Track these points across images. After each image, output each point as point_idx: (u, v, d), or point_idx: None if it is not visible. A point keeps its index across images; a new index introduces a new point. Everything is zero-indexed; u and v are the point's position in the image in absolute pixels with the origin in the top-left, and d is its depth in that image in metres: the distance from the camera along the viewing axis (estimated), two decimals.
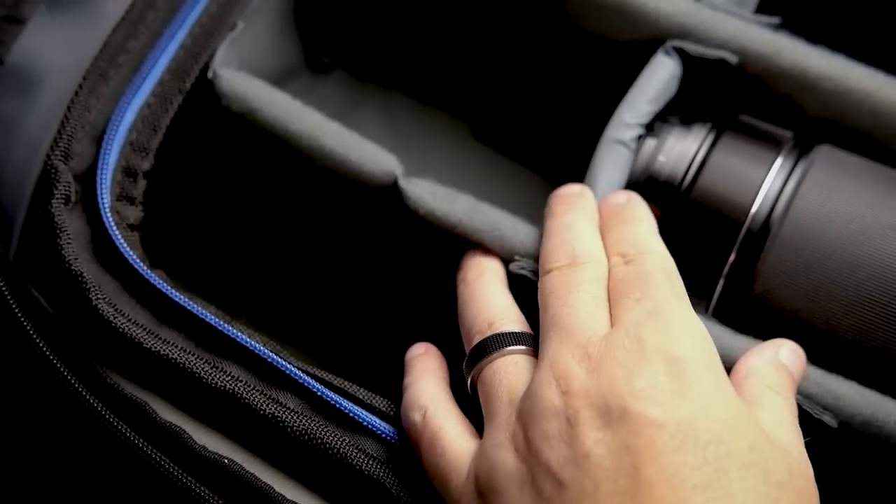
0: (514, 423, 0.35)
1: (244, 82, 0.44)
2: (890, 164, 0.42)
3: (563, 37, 0.48)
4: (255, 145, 0.45)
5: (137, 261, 0.41)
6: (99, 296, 0.39)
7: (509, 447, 0.34)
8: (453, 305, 0.42)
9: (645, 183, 0.43)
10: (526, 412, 0.34)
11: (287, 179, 0.46)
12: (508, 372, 0.37)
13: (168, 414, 0.39)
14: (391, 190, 0.42)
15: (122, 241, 0.41)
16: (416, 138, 0.53)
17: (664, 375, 0.33)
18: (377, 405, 0.39)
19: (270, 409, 0.38)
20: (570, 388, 0.34)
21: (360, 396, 0.39)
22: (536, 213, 0.42)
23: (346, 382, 0.39)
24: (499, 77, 0.53)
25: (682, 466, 0.31)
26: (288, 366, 0.39)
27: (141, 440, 0.38)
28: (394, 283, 0.49)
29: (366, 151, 0.43)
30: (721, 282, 0.41)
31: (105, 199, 0.41)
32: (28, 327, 0.39)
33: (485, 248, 0.41)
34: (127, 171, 0.43)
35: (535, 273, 0.40)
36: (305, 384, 0.39)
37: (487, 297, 0.40)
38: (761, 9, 0.48)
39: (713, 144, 0.43)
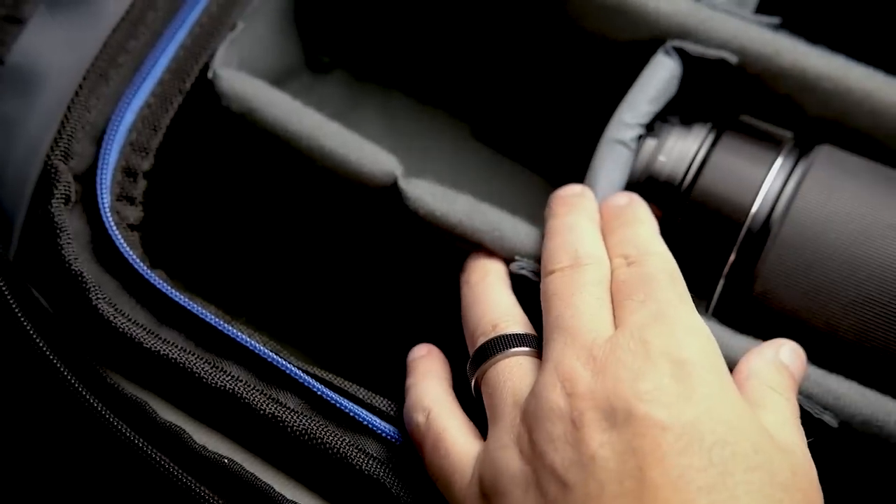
0: (519, 424, 0.35)
1: (244, 82, 0.44)
2: (890, 164, 0.42)
3: (563, 37, 0.48)
4: (254, 145, 0.44)
5: (137, 261, 0.41)
6: (99, 296, 0.39)
7: (514, 449, 0.34)
8: (453, 306, 0.42)
9: (645, 183, 0.43)
10: (531, 414, 0.34)
11: (287, 180, 0.46)
12: (513, 373, 0.37)
13: (168, 414, 0.39)
14: (391, 190, 0.42)
15: (122, 241, 0.41)
16: (416, 138, 0.53)
17: (669, 378, 0.33)
18: (377, 405, 0.39)
19: (270, 408, 0.38)
20: (575, 391, 0.34)
21: (361, 396, 0.39)
22: (536, 213, 0.42)
23: (346, 382, 0.39)
24: (499, 77, 0.53)
25: (687, 468, 0.31)
26: (288, 365, 0.39)
27: (141, 440, 0.38)
28: (394, 284, 0.49)
29: (366, 152, 0.43)
30: (721, 282, 0.41)
31: (105, 199, 0.41)
32: (28, 327, 0.39)
33: (485, 249, 0.41)
34: (127, 171, 0.43)
35: (536, 273, 0.40)
36: (305, 384, 0.39)
37: (491, 299, 0.40)
38: (761, 9, 0.48)
39: (713, 144, 0.43)
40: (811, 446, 0.35)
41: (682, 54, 0.44)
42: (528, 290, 0.40)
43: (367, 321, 0.49)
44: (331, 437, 0.37)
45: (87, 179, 0.42)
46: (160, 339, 0.39)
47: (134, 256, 0.41)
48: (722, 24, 0.44)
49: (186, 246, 0.49)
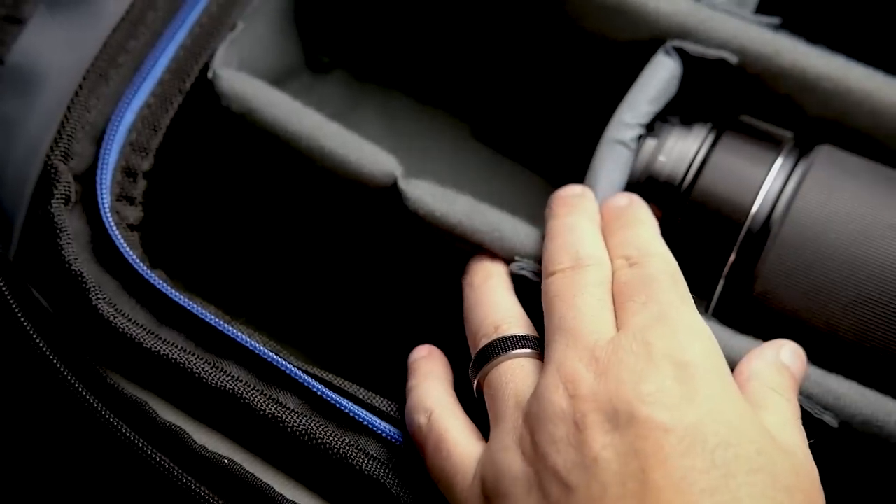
0: (521, 426, 0.35)
1: (244, 82, 0.44)
2: (890, 164, 0.42)
3: (563, 37, 0.48)
4: (254, 146, 0.44)
5: (137, 261, 0.41)
6: (99, 296, 0.39)
7: (516, 450, 0.34)
8: (454, 306, 0.42)
9: (645, 183, 0.43)
10: (533, 416, 0.34)
11: (287, 180, 0.46)
12: (515, 375, 0.37)
13: (168, 414, 0.39)
14: (391, 191, 0.42)
15: (121, 241, 0.41)
16: (416, 138, 0.53)
17: (672, 380, 0.33)
18: (377, 405, 0.39)
19: (270, 409, 0.38)
20: (578, 392, 0.34)
21: (360, 396, 0.39)
22: (536, 214, 0.42)
23: (346, 382, 0.39)
24: (499, 77, 0.53)
25: (690, 470, 0.31)
26: (288, 365, 0.39)
27: (141, 440, 0.38)
28: (393, 284, 0.49)
29: (365, 152, 0.43)
30: (721, 282, 0.41)
31: (105, 199, 0.41)
32: (28, 327, 0.39)
33: (485, 249, 0.41)
34: (127, 171, 0.43)
35: (536, 273, 0.40)
36: (305, 384, 0.39)
37: (494, 300, 0.40)
38: (761, 9, 0.48)
39: (713, 144, 0.43)
40: (812, 447, 0.35)
41: (682, 54, 0.44)
42: (529, 291, 0.40)
43: (366, 322, 0.49)
44: (331, 438, 0.37)
45: (87, 179, 0.42)
46: (160, 339, 0.39)
47: (134, 256, 0.41)
48: (722, 24, 0.44)
49: (186, 246, 0.49)
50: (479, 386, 0.38)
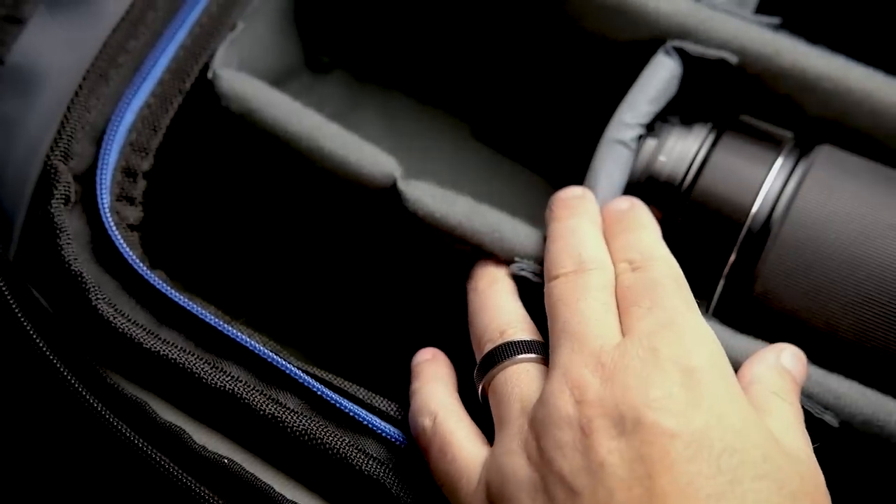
0: (527, 431, 0.35)
1: (244, 83, 0.44)
2: (890, 164, 0.42)
3: (563, 37, 0.48)
4: (254, 146, 0.44)
5: (137, 261, 0.41)
6: (99, 296, 0.39)
7: (521, 455, 0.34)
8: (453, 307, 0.42)
9: (645, 183, 0.43)
10: (539, 421, 0.34)
11: (286, 180, 0.46)
12: (520, 380, 0.37)
13: (168, 414, 0.39)
14: (390, 192, 0.42)
15: (121, 241, 0.41)
16: (416, 138, 0.53)
17: (678, 386, 0.33)
18: (377, 405, 0.39)
19: (270, 409, 0.38)
20: (585, 398, 0.34)
21: (361, 396, 0.39)
22: (536, 214, 0.42)
23: (346, 382, 0.39)
24: (499, 77, 0.53)
25: (696, 476, 0.31)
26: (288, 365, 0.39)
27: (141, 440, 0.38)
28: (393, 285, 0.49)
29: (365, 153, 0.42)
30: (721, 282, 0.41)
31: (105, 199, 0.41)
32: (28, 327, 0.39)
33: (485, 250, 0.41)
34: (127, 172, 0.43)
35: (536, 274, 0.40)
36: (305, 384, 0.39)
37: (498, 305, 0.40)
38: (761, 9, 0.48)
39: (714, 144, 0.43)
40: (815, 450, 0.35)
41: (682, 54, 0.44)
42: (530, 292, 0.40)
43: (366, 322, 0.49)
44: (331, 438, 0.37)
45: (87, 180, 0.42)
46: (160, 339, 0.39)
47: (134, 257, 0.41)
48: (722, 24, 0.44)
49: (186, 246, 0.49)
50: (484, 390, 0.38)
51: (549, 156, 0.53)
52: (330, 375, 0.39)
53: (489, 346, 0.38)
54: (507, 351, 0.38)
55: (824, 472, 0.34)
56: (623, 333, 0.36)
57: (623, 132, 0.43)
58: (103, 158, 0.42)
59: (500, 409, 0.37)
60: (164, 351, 0.39)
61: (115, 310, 0.40)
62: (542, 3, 0.47)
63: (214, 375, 0.38)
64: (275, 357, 0.39)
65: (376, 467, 0.37)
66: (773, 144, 0.42)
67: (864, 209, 0.40)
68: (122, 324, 0.39)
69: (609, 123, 0.43)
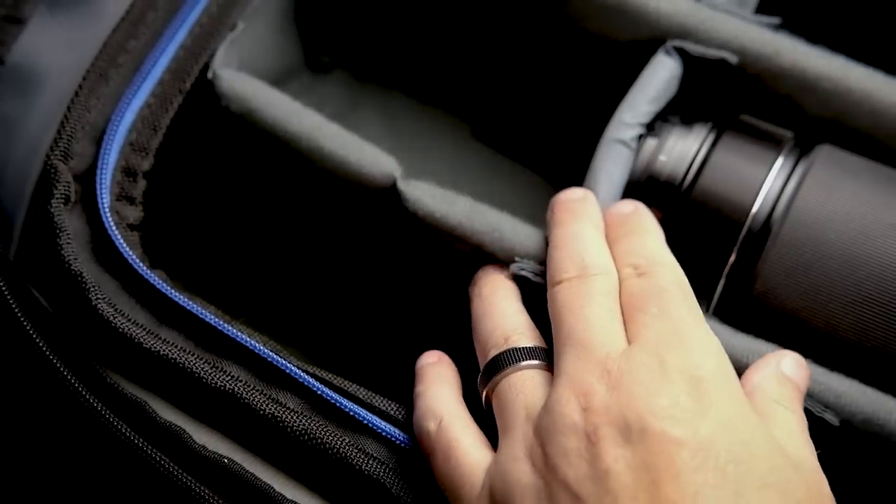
0: (532, 438, 0.35)
1: (244, 83, 0.44)
2: (890, 164, 0.42)
3: (563, 37, 0.48)
4: (254, 146, 0.44)
5: (137, 261, 0.41)
6: (99, 296, 0.39)
7: (526, 461, 0.34)
8: (453, 308, 0.42)
9: (646, 183, 0.43)
10: (544, 428, 0.34)
11: (286, 180, 0.46)
12: (525, 387, 0.37)
13: (168, 414, 0.39)
14: (390, 192, 0.42)
15: (121, 241, 0.41)
16: (416, 138, 0.53)
17: (685, 395, 0.33)
18: (377, 405, 0.39)
19: (270, 408, 0.38)
20: (591, 405, 0.34)
21: (361, 396, 0.39)
22: (536, 214, 0.42)
23: (346, 382, 0.39)
24: (499, 77, 0.53)
25: (702, 486, 0.31)
26: (288, 365, 0.39)
27: (141, 440, 0.38)
28: (393, 285, 0.49)
29: (365, 153, 0.42)
30: (722, 281, 0.41)
31: (105, 199, 0.41)
32: (28, 327, 0.39)
33: (485, 250, 0.41)
34: (127, 171, 0.43)
35: (536, 274, 0.40)
36: (305, 383, 0.39)
37: (502, 311, 0.40)
38: (761, 9, 0.48)
39: (714, 144, 0.43)
40: (818, 457, 0.35)
41: (682, 54, 0.44)
42: (530, 293, 0.40)
43: (366, 322, 0.49)
44: (331, 437, 0.37)
45: (87, 179, 0.42)
46: (160, 339, 0.39)
47: (134, 256, 0.41)
48: (722, 24, 0.44)
49: (186, 246, 0.49)
50: (488, 396, 0.38)
51: (549, 156, 0.53)
52: (330, 375, 0.39)
53: (493, 353, 0.38)
54: (512, 357, 0.38)
55: (825, 473, 0.34)
56: (628, 340, 0.36)
57: (623, 132, 0.43)
58: (103, 158, 0.42)
59: (505, 415, 0.37)
60: (164, 351, 0.39)
61: (115, 309, 0.40)
62: (542, 3, 0.48)
63: (214, 375, 0.38)
64: (275, 357, 0.39)
65: (376, 467, 0.37)
66: (774, 144, 0.42)
67: (864, 209, 0.40)
68: (121, 323, 0.39)
69: (609, 123, 0.43)
